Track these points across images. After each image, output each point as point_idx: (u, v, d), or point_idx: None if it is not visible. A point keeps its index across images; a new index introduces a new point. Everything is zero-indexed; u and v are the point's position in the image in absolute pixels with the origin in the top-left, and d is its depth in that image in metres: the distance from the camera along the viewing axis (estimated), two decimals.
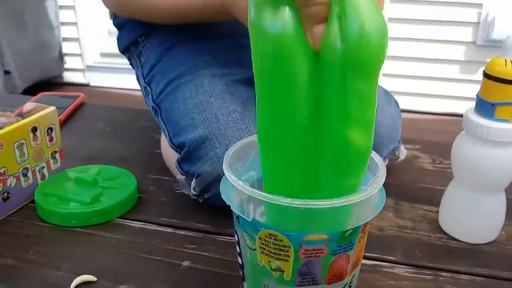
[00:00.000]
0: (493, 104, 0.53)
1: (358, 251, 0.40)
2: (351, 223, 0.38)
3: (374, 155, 0.43)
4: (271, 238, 0.37)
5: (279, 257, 0.38)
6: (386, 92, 0.73)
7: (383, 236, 0.59)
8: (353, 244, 0.39)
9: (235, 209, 0.39)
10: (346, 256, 0.39)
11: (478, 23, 2.04)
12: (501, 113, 0.52)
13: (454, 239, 0.58)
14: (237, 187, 0.38)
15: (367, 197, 0.37)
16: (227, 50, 0.69)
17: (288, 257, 0.38)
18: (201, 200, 0.60)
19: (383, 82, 0.72)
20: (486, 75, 0.53)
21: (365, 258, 0.54)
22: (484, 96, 0.53)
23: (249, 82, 0.65)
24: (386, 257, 0.55)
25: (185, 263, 0.53)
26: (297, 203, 0.35)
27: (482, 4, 2.01)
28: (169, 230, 0.59)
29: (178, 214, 0.62)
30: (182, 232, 0.59)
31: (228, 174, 0.39)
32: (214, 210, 0.60)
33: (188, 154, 0.60)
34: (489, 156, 0.54)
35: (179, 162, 0.61)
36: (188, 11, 0.66)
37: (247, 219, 0.38)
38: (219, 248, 0.56)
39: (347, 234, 0.38)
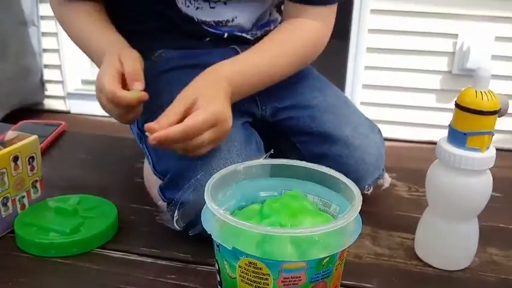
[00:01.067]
0: (464, 134, 0.54)
1: (335, 278, 0.41)
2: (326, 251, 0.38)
3: (350, 184, 0.44)
4: (250, 266, 0.38)
5: (259, 285, 0.39)
6: (370, 121, 0.74)
7: (360, 264, 0.60)
8: (330, 271, 0.40)
9: (216, 237, 0.40)
10: (323, 283, 0.40)
11: (454, 52, 2.10)
12: (472, 143, 0.54)
13: (430, 266, 0.59)
14: (218, 216, 0.39)
15: (343, 225, 0.38)
16: None
17: (268, 285, 0.38)
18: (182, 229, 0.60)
19: (363, 110, 0.74)
20: (458, 105, 0.54)
21: (343, 286, 0.55)
22: (456, 126, 0.55)
23: (233, 112, 0.66)
24: (363, 284, 0.56)
25: None
26: (275, 230, 0.36)
27: (457, 34, 2.07)
28: (150, 260, 0.59)
29: (158, 244, 0.62)
30: (163, 262, 0.59)
31: (209, 203, 0.40)
32: (194, 240, 0.60)
33: (171, 180, 0.60)
34: (461, 185, 0.55)
35: (162, 188, 0.62)
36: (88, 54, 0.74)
37: (227, 247, 0.39)
38: (200, 277, 0.56)
39: (324, 261, 0.39)
